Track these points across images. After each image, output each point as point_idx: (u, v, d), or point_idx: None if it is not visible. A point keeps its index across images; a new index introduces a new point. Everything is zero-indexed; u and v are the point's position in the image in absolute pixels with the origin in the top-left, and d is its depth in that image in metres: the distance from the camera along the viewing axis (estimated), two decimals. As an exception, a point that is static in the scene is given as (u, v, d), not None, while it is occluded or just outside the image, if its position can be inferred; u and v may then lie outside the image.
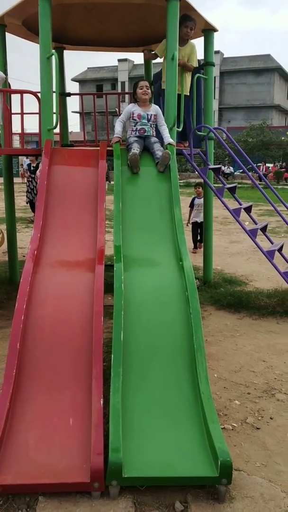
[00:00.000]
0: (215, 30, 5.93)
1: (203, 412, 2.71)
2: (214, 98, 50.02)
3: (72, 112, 45.18)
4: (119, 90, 51.52)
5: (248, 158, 5.84)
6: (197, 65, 5.50)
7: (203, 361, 2.96)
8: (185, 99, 5.24)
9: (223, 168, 32.67)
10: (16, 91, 5.45)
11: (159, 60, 5.67)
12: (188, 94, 5.44)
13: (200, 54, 6.23)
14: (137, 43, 6.97)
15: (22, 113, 5.37)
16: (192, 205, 9.01)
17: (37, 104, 5.01)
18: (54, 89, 4.84)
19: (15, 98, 5.63)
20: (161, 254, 3.79)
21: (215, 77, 50.02)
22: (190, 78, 5.43)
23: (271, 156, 36.62)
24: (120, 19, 6.15)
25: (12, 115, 5.92)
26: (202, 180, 5.98)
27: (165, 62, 5.10)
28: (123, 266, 3.56)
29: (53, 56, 4.64)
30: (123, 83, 53.34)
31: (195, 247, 8.87)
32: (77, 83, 56.29)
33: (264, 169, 34.03)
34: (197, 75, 5.62)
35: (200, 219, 8.27)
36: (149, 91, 4.68)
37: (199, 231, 8.70)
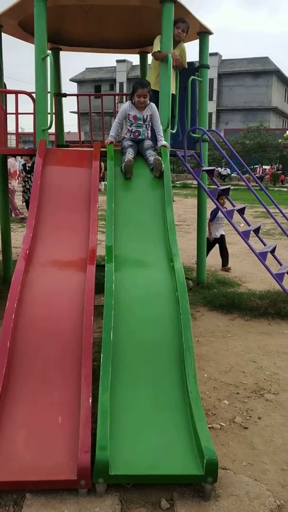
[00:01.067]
0: (210, 33, 5.97)
1: (190, 411, 2.73)
2: (212, 100, 50.16)
3: (70, 112, 45.23)
4: (117, 91, 51.58)
5: (241, 160, 5.87)
6: (187, 66, 5.51)
7: (191, 361, 2.99)
8: (172, 97, 5.21)
9: (220, 169, 32.77)
10: (11, 92, 5.47)
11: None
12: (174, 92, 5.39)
13: (195, 57, 6.29)
14: (133, 45, 7.01)
15: (16, 113, 5.39)
16: (214, 217, 7.43)
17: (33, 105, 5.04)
18: (49, 90, 4.85)
19: (11, 97, 5.65)
20: (153, 255, 3.82)
21: (213, 79, 50.12)
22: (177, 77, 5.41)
23: (268, 158, 36.75)
24: (116, 20, 6.19)
25: (8, 115, 5.94)
26: (225, 188, 5.73)
27: (154, 63, 5.12)
28: (114, 266, 3.59)
29: (48, 57, 4.67)
30: (121, 84, 53.39)
31: (225, 264, 7.52)
32: (75, 84, 56.31)
33: (261, 171, 34.11)
34: (192, 77, 5.65)
35: (220, 233, 7.52)
36: (147, 99, 4.63)
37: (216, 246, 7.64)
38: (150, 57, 5.52)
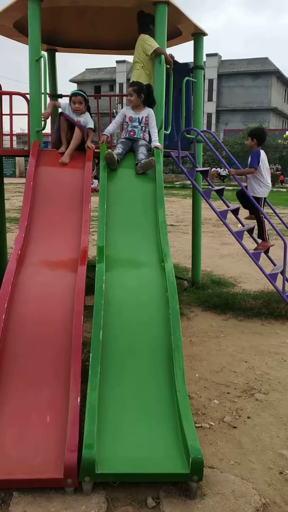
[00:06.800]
0: (204, 34, 5.99)
1: (178, 410, 2.75)
2: (212, 101, 50.18)
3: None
4: (117, 92, 51.64)
5: (235, 161, 5.89)
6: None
7: (180, 360, 3.01)
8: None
9: (219, 170, 32.77)
10: (5, 93, 5.49)
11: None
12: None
13: (190, 58, 6.32)
14: (129, 46, 7.00)
15: (11, 114, 5.42)
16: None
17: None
18: (44, 91, 4.87)
19: (7, 98, 5.65)
20: (144, 255, 3.84)
21: (212, 80, 49.94)
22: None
23: (267, 159, 36.75)
24: (111, 22, 6.22)
25: (4, 116, 5.95)
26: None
27: (138, 64, 5.13)
28: (105, 267, 3.61)
29: (42, 59, 4.68)
30: (121, 85, 53.44)
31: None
32: (75, 84, 56.36)
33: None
34: (186, 78, 5.68)
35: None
36: (133, 97, 4.71)
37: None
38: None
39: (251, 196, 5.36)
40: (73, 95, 4.96)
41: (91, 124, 4.94)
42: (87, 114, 5.02)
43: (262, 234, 5.54)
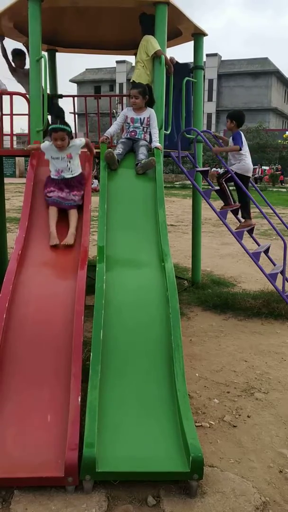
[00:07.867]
0: (204, 34, 6.00)
1: (178, 409, 2.76)
2: (212, 101, 50.18)
3: (70, 113, 45.21)
4: (117, 92, 51.65)
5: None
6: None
7: (180, 359, 3.02)
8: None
9: (219, 170, 32.80)
10: (5, 93, 5.50)
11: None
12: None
13: (190, 58, 6.33)
14: (129, 46, 7.03)
15: (11, 114, 5.43)
16: None
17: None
18: (48, 91, 4.88)
19: (8, 98, 5.65)
20: (144, 255, 3.85)
21: (212, 80, 49.92)
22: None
23: (267, 159, 36.77)
24: (111, 22, 6.22)
25: (4, 116, 5.96)
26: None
27: (139, 64, 5.14)
28: (106, 267, 3.62)
29: (42, 59, 4.70)
30: (121, 85, 53.46)
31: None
32: (75, 84, 56.39)
33: (260, 172, 34.15)
34: (186, 78, 5.69)
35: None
36: (138, 99, 4.73)
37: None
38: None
39: (231, 171, 5.37)
40: (53, 130, 4.12)
41: (80, 142, 4.33)
42: (73, 141, 4.26)
43: (227, 199, 5.50)
